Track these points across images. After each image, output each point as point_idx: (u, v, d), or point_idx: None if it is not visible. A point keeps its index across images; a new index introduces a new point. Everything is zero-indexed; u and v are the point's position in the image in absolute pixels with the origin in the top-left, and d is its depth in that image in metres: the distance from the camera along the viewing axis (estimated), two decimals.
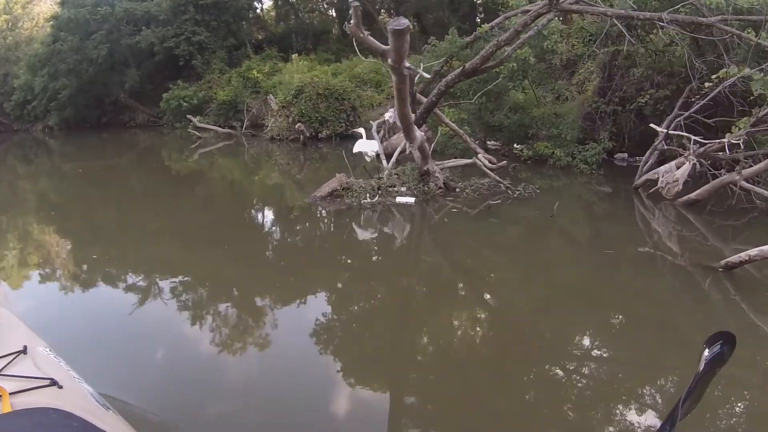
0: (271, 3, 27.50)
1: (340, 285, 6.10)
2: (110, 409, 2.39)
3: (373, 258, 6.97)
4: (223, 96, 17.98)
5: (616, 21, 9.51)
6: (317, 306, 5.35)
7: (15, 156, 24.80)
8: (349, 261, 6.86)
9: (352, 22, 5.91)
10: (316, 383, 3.94)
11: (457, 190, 9.04)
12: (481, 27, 11.63)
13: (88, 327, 5.20)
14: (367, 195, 8.47)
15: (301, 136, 13.05)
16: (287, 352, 4.52)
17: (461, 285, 6.03)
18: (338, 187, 8.64)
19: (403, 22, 5.28)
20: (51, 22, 28.74)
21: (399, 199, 8.54)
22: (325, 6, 26.13)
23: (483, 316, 5.19)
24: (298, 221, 8.58)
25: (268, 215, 9.69)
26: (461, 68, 10.21)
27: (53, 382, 2.23)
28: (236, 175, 13.34)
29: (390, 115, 11.00)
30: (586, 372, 4.02)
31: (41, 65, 27.39)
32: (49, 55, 26.27)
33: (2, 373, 2.31)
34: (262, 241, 7.89)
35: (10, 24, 35.91)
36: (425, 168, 8.95)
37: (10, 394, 2.06)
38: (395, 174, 9.18)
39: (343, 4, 24.32)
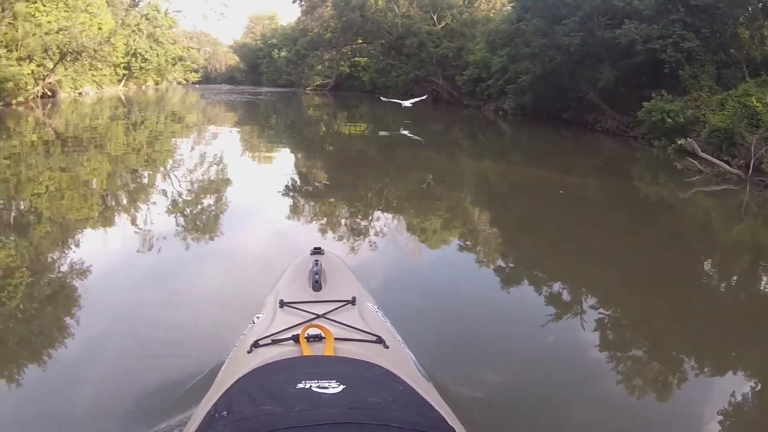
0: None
1: None
2: (430, 381, 2.49)
3: None
4: (716, 121, 16.29)
5: None
6: None
7: (461, 131, 27.29)
8: None
9: None
10: None
11: None
12: None
13: (428, 305, 5.82)
14: None
15: None
16: None
17: None
18: None
19: None
20: (512, 4, 30.37)
21: None
22: None
23: None
24: None
25: None
26: None
27: (379, 340, 2.43)
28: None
29: None
30: None
31: (501, 44, 29.03)
32: (512, 35, 27.43)
33: (329, 316, 2.58)
34: None
35: (467, 1, 40.26)
36: None
37: (335, 339, 2.28)
38: None
39: None
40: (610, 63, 22.32)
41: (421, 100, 27.46)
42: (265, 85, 72.26)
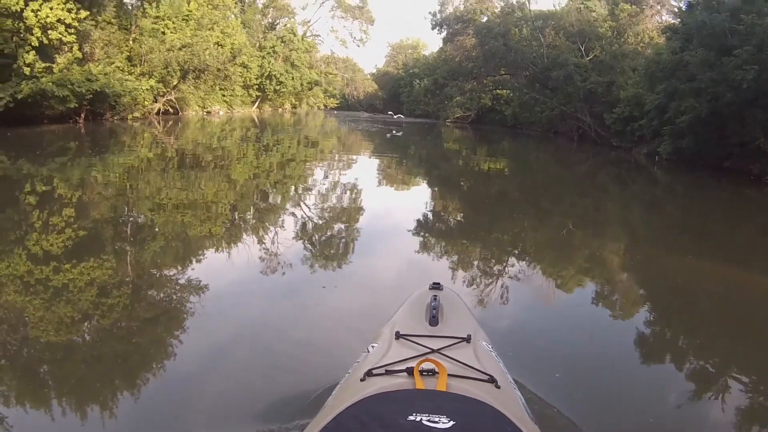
0: None
1: None
2: (536, 424, 2.43)
3: None
4: None
5: None
6: None
7: (608, 176, 24.51)
8: None
9: None
10: None
11: None
12: None
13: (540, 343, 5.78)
14: None
15: None
16: None
17: None
18: None
19: None
20: (666, 33, 27.84)
21: None
22: None
23: None
24: None
25: None
26: None
27: (492, 380, 2.43)
28: None
29: None
30: None
31: (660, 77, 25.93)
32: (673, 67, 24.44)
33: (443, 352, 2.63)
34: None
35: (615, 32, 37.83)
36: None
37: (448, 375, 2.30)
38: None
39: None
40: None
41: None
42: (405, 115, 72.60)
